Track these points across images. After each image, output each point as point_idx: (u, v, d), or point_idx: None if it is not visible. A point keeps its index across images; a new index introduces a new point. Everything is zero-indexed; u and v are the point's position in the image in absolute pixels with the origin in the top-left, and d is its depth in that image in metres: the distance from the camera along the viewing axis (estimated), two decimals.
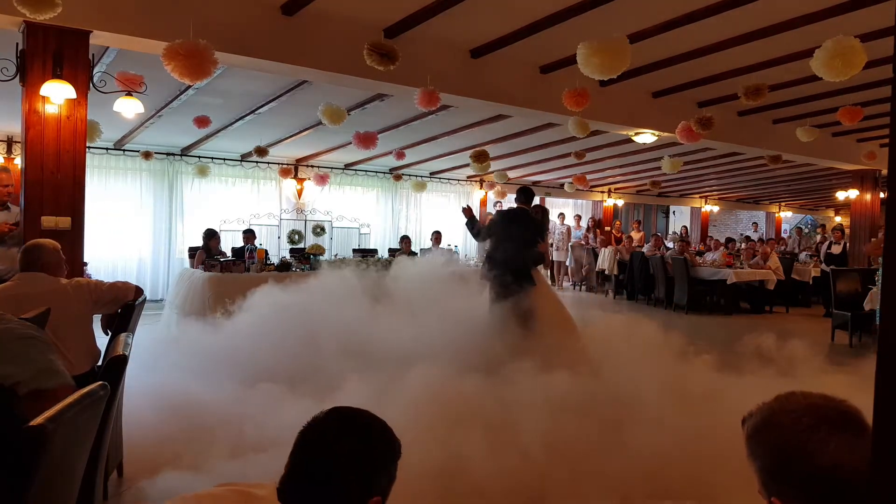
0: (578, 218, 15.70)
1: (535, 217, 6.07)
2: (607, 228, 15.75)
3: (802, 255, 13.37)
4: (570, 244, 14.18)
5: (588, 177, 13.29)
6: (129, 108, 5.42)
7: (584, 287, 13.82)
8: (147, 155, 10.31)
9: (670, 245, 14.25)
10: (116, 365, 2.25)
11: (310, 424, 1.36)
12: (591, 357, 4.96)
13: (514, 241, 5.69)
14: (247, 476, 1.47)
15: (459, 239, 13.80)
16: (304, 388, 4.16)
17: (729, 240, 12.50)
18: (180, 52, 4.30)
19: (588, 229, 14.78)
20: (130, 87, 5.35)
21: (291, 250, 9.29)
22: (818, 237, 16.14)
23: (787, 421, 1.06)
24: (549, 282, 6.52)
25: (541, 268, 6.15)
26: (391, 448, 1.38)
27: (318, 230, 12.18)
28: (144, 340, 5.34)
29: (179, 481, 3.03)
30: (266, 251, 7.88)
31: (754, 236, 17.00)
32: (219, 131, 8.98)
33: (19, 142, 6.11)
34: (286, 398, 4.06)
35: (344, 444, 1.31)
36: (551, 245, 13.85)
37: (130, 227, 10.54)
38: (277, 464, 1.36)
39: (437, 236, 10.63)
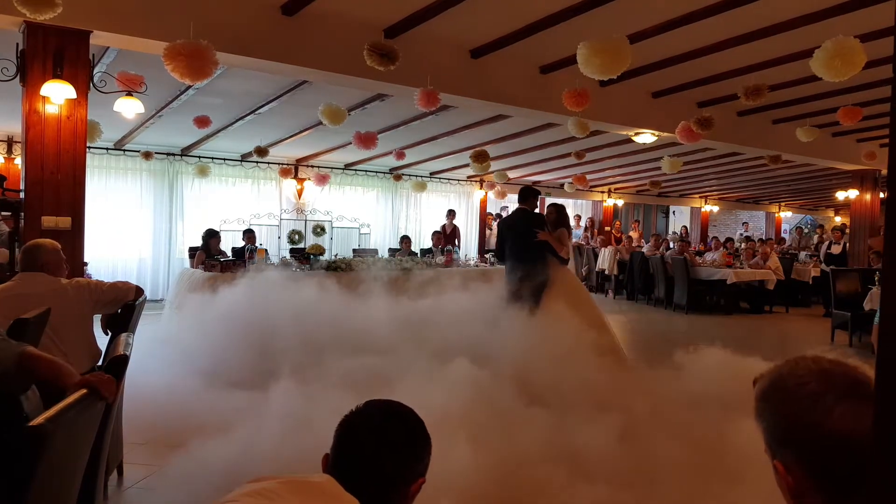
0: (578, 218, 15.71)
1: (534, 213, 6.02)
2: (607, 228, 15.76)
3: (802, 255, 13.37)
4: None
5: (588, 177, 13.28)
6: (129, 108, 5.42)
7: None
8: (147, 155, 10.30)
9: (671, 245, 14.26)
10: (117, 365, 2.25)
11: (351, 417, 1.41)
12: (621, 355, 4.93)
13: (517, 242, 5.81)
14: (252, 472, 1.47)
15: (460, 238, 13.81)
16: (303, 384, 4.16)
17: (728, 240, 12.50)
18: (181, 52, 4.30)
19: (585, 229, 14.77)
20: (130, 87, 5.35)
21: (291, 250, 9.29)
22: (816, 237, 16.15)
23: (794, 386, 1.03)
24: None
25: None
26: (426, 431, 1.46)
27: (319, 230, 12.18)
28: (145, 340, 5.34)
29: (180, 481, 3.03)
30: (266, 251, 7.88)
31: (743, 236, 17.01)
32: (219, 131, 8.98)
33: (20, 142, 6.11)
34: (286, 395, 4.06)
35: (391, 429, 1.39)
36: None
37: (130, 227, 10.54)
38: (283, 459, 1.36)
39: (437, 237, 10.62)
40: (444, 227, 12.20)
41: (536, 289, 5.56)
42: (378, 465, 1.35)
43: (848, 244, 11.71)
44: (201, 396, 4.47)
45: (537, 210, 6.20)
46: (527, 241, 5.70)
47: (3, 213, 6.00)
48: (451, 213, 12.65)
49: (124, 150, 10.33)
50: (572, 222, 15.03)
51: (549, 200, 9.07)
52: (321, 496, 1.24)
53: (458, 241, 12.10)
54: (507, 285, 5.74)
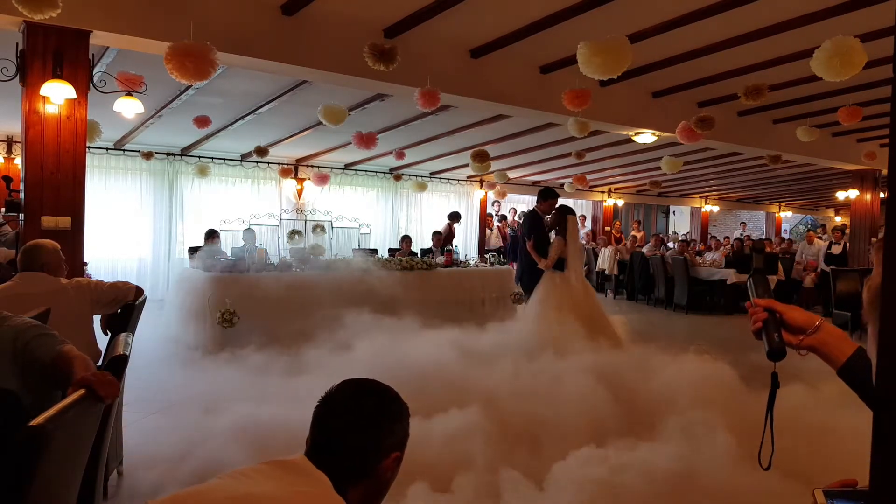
0: (584, 218, 15.72)
1: (533, 220, 6.42)
2: (607, 228, 15.77)
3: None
4: None
5: (588, 177, 13.29)
6: (129, 108, 5.42)
7: None
8: (147, 155, 10.31)
9: (670, 245, 14.25)
10: (117, 365, 2.25)
11: (327, 395, 1.46)
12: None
13: (521, 242, 6.58)
14: None
15: (459, 239, 13.80)
16: (306, 383, 4.16)
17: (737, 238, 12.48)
18: (182, 52, 4.30)
19: None
20: (130, 87, 5.35)
21: (291, 250, 9.27)
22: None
23: None
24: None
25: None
26: (403, 406, 1.50)
27: (318, 230, 12.17)
28: (145, 340, 5.34)
29: (180, 481, 3.03)
30: (266, 251, 7.88)
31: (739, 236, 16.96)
32: (219, 131, 8.98)
33: (19, 142, 6.11)
34: (286, 395, 4.06)
35: (363, 404, 1.43)
36: None
37: (130, 227, 10.54)
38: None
39: (437, 237, 10.60)
40: (444, 228, 12.10)
41: (526, 286, 6.37)
42: (345, 441, 1.38)
43: (848, 244, 11.71)
44: (205, 395, 4.47)
45: (552, 212, 6.44)
46: (524, 244, 6.33)
47: (10, 214, 6.01)
48: (454, 217, 12.14)
49: (124, 150, 10.33)
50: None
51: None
52: (294, 473, 1.30)
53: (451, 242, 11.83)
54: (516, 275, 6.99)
